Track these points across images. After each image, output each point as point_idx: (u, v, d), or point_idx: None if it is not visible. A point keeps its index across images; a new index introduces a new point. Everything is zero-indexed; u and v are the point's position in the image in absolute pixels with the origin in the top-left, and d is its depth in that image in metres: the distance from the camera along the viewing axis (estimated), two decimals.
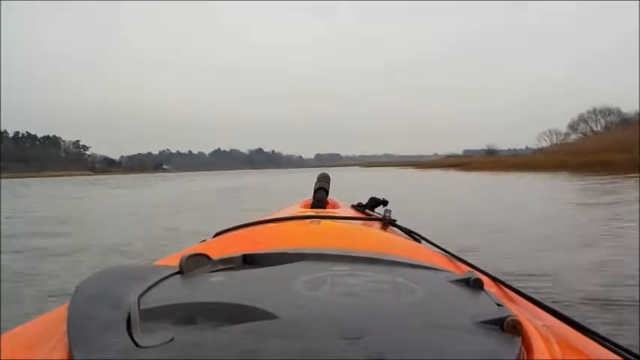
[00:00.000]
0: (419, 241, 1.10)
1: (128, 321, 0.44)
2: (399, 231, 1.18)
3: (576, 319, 0.62)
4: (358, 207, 1.49)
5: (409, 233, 1.16)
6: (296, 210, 1.39)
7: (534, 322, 0.51)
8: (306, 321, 0.44)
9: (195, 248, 0.86)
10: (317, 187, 1.60)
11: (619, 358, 0.54)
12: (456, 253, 0.93)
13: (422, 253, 0.87)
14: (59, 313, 0.52)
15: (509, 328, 0.43)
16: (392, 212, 1.24)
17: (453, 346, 0.41)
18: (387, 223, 1.18)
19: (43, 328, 0.50)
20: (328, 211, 1.36)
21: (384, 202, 1.49)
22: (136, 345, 0.40)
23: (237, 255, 0.67)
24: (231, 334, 0.41)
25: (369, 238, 0.99)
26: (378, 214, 1.39)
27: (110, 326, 0.43)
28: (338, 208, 1.51)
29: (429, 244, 1.06)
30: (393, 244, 0.96)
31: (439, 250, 0.97)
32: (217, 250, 0.73)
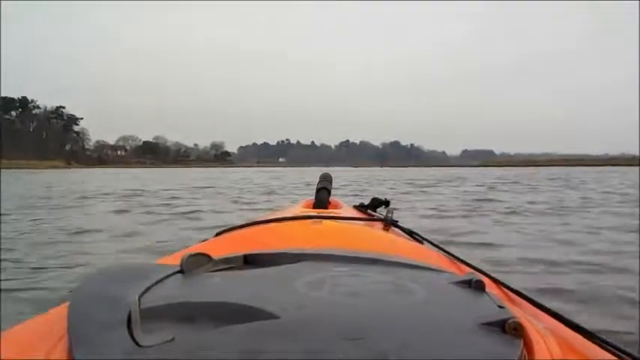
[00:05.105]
0: (421, 242, 1.10)
1: (129, 320, 0.43)
2: (401, 232, 1.18)
3: (578, 322, 0.62)
4: (360, 207, 1.49)
5: (411, 234, 1.16)
6: (298, 210, 1.39)
7: (536, 324, 0.51)
8: (308, 321, 0.44)
9: (196, 248, 0.86)
10: (319, 187, 1.60)
11: None
12: (457, 255, 0.93)
13: (423, 254, 0.87)
14: (59, 312, 0.52)
15: (510, 330, 0.43)
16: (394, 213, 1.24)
17: (455, 347, 0.41)
18: (389, 223, 1.18)
19: (43, 327, 0.50)
20: (330, 212, 1.36)
21: (387, 203, 1.49)
22: (137, 344, 0.40)
23: (238, 255, 0.67)
24: (232, 334, 0.41)
25: (371, 238, 0.99)
26: (380, 214, 1.39)
27: (111, 325, 0.43)
28: (340, 208, 1.51)
29: (430, 245, 1.06)
30: (395, 245, 0.96)
31: (441, 251, 0.97)
32: (218, 249, 0.73)
